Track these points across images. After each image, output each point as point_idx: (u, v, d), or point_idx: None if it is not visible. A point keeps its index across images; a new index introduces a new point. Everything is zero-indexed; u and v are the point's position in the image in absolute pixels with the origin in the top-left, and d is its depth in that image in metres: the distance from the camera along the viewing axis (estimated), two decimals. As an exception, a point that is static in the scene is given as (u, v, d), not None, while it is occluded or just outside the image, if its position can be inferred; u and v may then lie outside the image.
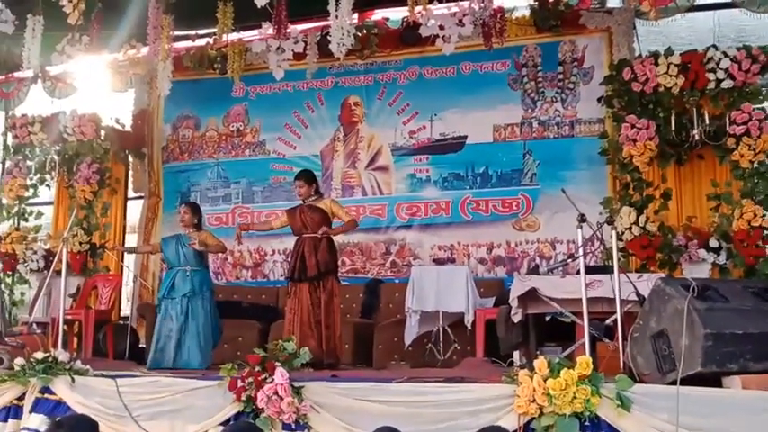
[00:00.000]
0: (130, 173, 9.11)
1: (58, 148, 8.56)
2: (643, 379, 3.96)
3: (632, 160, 6.60)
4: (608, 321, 5.04)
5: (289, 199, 8.35)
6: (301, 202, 6.40)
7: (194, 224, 6.51)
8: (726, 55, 6.49)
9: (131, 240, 9.10)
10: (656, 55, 6.67)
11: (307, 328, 5.98)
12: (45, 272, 8.01)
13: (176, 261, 6.39)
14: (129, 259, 8.89)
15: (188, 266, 6.34)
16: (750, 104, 6.36)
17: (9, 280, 8.35)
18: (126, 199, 9.10)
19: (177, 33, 7.35)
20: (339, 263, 6.61)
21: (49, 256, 8.14)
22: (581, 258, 4.44)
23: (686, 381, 3.74)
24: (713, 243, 6.34)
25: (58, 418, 4.31)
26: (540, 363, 3.84)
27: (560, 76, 7.76)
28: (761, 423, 3.54)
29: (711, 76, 6.49)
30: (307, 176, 6.42)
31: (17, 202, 8.60)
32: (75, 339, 7.57)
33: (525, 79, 7.85)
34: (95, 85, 8.03)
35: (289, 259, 8.23)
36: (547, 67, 7.80)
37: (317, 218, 6.20)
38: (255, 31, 7.32)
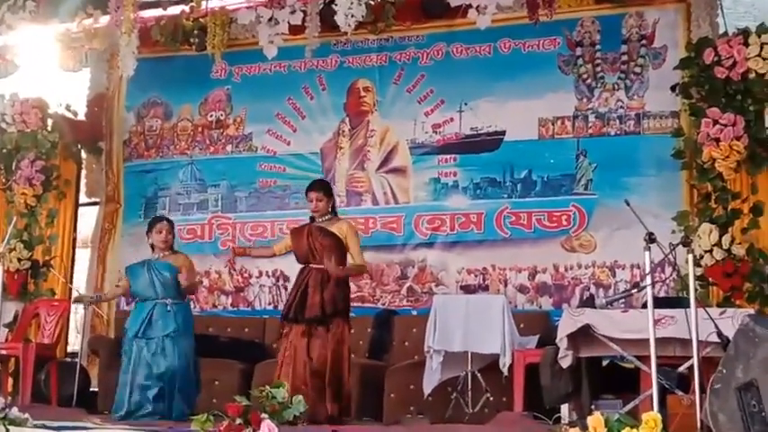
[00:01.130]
0: (83, 172, 9.16)
1: (-7, 140, 8.62)
2: (726, 443, 3.94)
3: (714, 165, 6.58)
4: (682, 369, 5.01)
5: (280, 207, 8.46)
6: (309, 220, 6.42)
7: (171, 247, 6.62)
8: (836, 33, 6.50)
9: (82, 257, 9.15)
10: (745, 33, 6.65)
11: (300, 382, 5.96)
12: (-27, 296, 8.07)
13: (151, 293, 6.43)
14: (80, 281, 8.94)
15: (168, 299, 6.39)
16: None
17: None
18: (77, 205, 9.14)
19: (145, -1, 7.42)
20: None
21: (-23, 275, 8.20)
22: (648, 289, 4.42)
23: (781, 446, 3.72)
24: (816, 271, 6.32)
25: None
26: (596, 419, 3.83)
27: (624, 58, 7.76)
28: None
29: (817, 60, 6.49)
30: (327, 188, 6.47)
31: (-61, 207, 8.67)
32: (11, 380, 7.60)
33: (580, 61, 7.86)
34: (42, 62, 8.10)
35: (280, 283, 8.26)
36: (607, 45, 7.81)
37: (327, 244, 6.18)
38: (242, -2, 7.39)
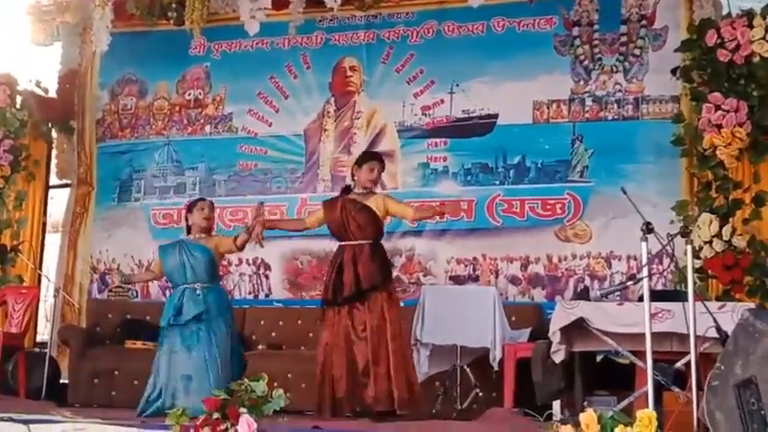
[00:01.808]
0: (54, 153, 9.14)
1: (-42, 117, 8.58)
2: (723, 442, 3.98)
3: (716, 152, 6.62)
4: (678, 364, 5.05)
5: (261, 191, 8.44)
6: (341, 192, 6.37)
7: (208, 228, 6.52)
8: (844, 15, 6.53)
9: (52, 242, 9.13)
10: (750, 14, 6.68)
11: (341, 368, 5.92)
12: (-63, 282, 8.05)
13: (182, 277, 6.32)
14: (50, 267, 8.91)
15: (198, 283, 6.28)
16: None
17: None
18: (47, 187, 9.13)
19: (120, -30, 7.39)
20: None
21: (-58, 261, 8.19)
22: (645, 281, 4.45)
23: (780, 445, 3.75)
24: (820, 264, 6.37)
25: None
26: (588, 417, 3.85)
27: (623, 39, 7.78)
28: None
29: (824, 44, 6.52)
30: (381, 159, 6.39)
31: None
32: (-24, 371, 7.59)
33: (577, 42, 7.88)
34: (11, 36, 8.07)
35: (260, 272, 8.26)
36: (605, 25, 7.83)
37: (362, 220, 6.12)
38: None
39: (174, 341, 6.18)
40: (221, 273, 8.24)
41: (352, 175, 6.34)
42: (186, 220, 6.55)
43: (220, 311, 6.26)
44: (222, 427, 4.25)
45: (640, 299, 4.72)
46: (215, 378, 5.95)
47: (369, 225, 6.11)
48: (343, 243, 6.16)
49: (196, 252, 6.31)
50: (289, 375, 7.02)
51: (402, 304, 7.29)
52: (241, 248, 6.47)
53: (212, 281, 6.35)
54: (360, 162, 6.31)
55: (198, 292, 6.24)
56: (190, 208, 6.56)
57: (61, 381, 7.77)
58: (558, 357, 5.40)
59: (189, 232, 6.51)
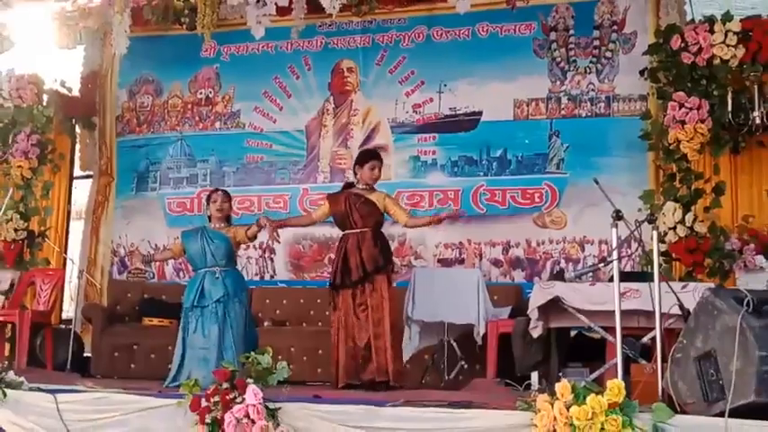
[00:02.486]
0: (77, 147, 9.12)
1: (-10, 114, 8.54)
2: (685, 409, 3.98)
3: (679, 146, 6.61)
4: (645, 339, 5.06)
5: (266, 182, 8.43)
6: (343, 187, 6.34)
7: (227, 217, 6.48)
8: (796, 22, 6.52)
9: (76, 228, 9.11)
10: (711, 20, 6.67)
11: (351, 343, 5.93)
12: (-29, 264, 8.02)
13: (202, 261, 6.29)
14: (74, 251, 8.90)
15: (216, 267, 6.25)
16: (824, 83, 6.39)
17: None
18: (71, 178, 9.11)
19: (137, -20, 7.35)
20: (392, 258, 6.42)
21: (-25, 245, 8.15)
22: (615, 263, 4.45)
23: (736, 412, 3.76)
24: (774, 248, 6.37)
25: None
26: (563, 386, 3.86)
27: (596, 43, 7.77)
28: (823, 464, 3.56)
29: (778, 48, 6.50)
30: (381, 158, 6.37)
31: (-62, 178, 8.59)
32: (7, 345, 7.58)
33: (554, 45, 7.87)
34: (37, 39, 8.01)
35: (266, 255, 8.25)
36: (580, 30, 7.82)
37: (365, 211, 6.12)
38: (232, -21, 7.30)
39: (195, 321, 6.17)
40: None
41: (355, 173, 6.33)
42: (207, 210, 6.52)
43: (236, 293, 6.23)
44: (231, 396, 4.26)
45: (611, 279, 4.72)
46: (231, 355, 5.90)
47: (370, 215, 6.11)
48: (346, 232, 6.15)
49: (216, 239, 6.28)
50: (292, 349, 7.04)
51: (395, 285, 7.34)
52: (252, 239, 6.48)
53: (230, 265, 6.33)
54: (362, 162, 6.29)
55: (217, 275, 6.21)
56: (207, 200, 6.54)
57: (85, 354, 7.78)
58: (536, 333, 5.40)
59: (210, 220, 6.47)
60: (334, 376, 5.98)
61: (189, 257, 6.48)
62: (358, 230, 6.09)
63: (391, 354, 5.92)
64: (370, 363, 5.89)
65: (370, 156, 6.40)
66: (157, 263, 8.37)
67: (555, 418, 3.79)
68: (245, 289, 6.42)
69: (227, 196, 6.51)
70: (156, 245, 8.53)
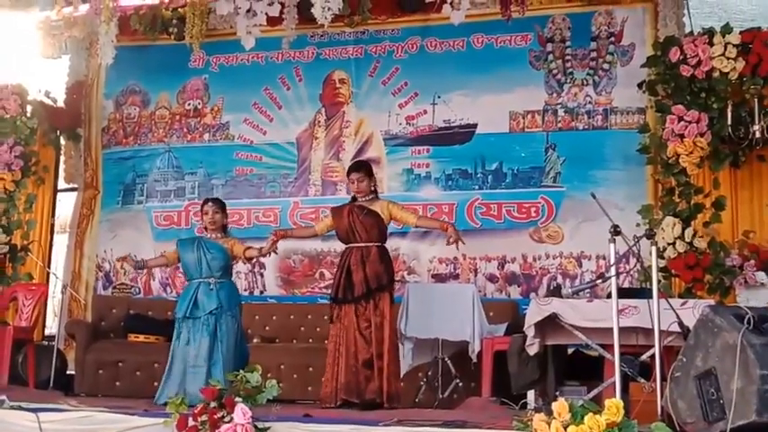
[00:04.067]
0: (62, 158, 9.10)
1: (-28, 125, 8.52)
2: (685, 429, 3.99)
3: (678, 160, 6.63)
4: (644, 357, 5.06)
5: (256, 195, 8.44)
6: (350, 200, 6.34)
7: (223, 227, 6.44)
8: (796, 34, 6.56)
9: (60, 242, 9.08)
10: (710, 32, 6.70)
11: (353, 360, 5.91)
12: (-48, 279, 7.98)
13: (197, 271, 6.28)
14: (58, 265, 8.87)
15: (212, 278, 6.23)
16: (825, 96, 6.42)
17: None
18: (56, 191, 9.09)
19: (124, -12, 7.37)
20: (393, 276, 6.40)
21: (-43, 259, 8.12)
22: (613, 279, 4.46)
23: (737, 432, 3.77)
24: (775, 264, 6.39)
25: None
26: (560, 405, 3.85)
27: (593, 55, 7.81)
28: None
29: (778, 60, 6.54)
30: (367, 168, 6.36)
31: None
32: (-12, 362, 7.54)
33: (550, 57, 7.90)
34: (22, 49, 8.02)
35: (256, 269, 8.24)
36: (577, 42, 7.85)
37: (368, 223, 6.12)
38: (221, -12, 7.32)
39: (187, 332, 6.14)
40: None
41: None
42: (202, 221, 6.52)
43: (230, 306, 6.22)
44: (219, 415, 4.25)
45: (609, 296, 4.74)
46: (219, 370, 5.91)
47: (374, 228, 6.12)
48: (350, 245, 6.15)
49: (213, 250, 6.28)
50: (281, 366, 7.03)
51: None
52: (248, 260, 6.48)
53: (225, 276, 6.32)
54: (347, 174, 6.38)
55: (212, 286, 6.21)
56: (201, 211, 6.53)
57: (68, 372, 7.73)
58: (533, 350, 5.40)
59: (206, 232, 6.47)
60: (331, 391, 5.93)
61: (184, 266, 6.45)
62: (362, 244, 6.09)
63: (392, 374, 5.94)
64: (372, 382, 5.88)
65: (351, 168, 6.44)
66: (149, 269, 8.30)
67: (552, 438, 3.79)
68: (238, 303, 6.39)
69: (219, 205, 6.48)
70: (142, 259, 8.48)
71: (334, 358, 6.01)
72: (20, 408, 4.78)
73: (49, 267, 8.63)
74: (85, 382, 7.41)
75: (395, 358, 6.06)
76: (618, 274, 4.50)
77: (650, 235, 4.77)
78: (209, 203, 6.50)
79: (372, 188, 6.28)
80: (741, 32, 6.66)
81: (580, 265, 7.53)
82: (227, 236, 6.44)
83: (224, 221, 6.47)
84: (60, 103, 8.96)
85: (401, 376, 6.25)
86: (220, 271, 6.26)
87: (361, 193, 6.23)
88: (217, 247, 6.29)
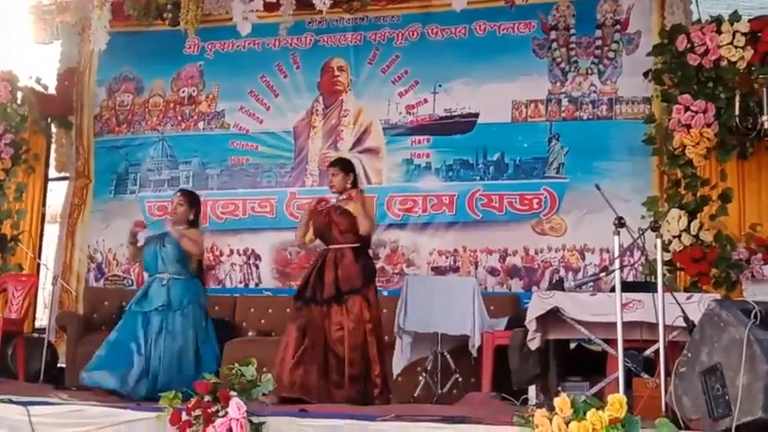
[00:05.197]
0: (53, 147, 9.08)
1: (-40, 112, 8.51)
2: (689, 425, 3.99)
3: (685, 151, 6.63)
4: (648, 352, 5.06)
5: (252, 185, 8.44)
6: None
7: (189, 220, 6.30)
8: (807, 22, 6.55)
9: (51, 232, 9.08)
10: (718, 21, 6.69)
11: (320, 363, 5.83)
12: (-60, 269, 8.00)
13: (153, 266, 6.23)
14: (48, 256, 8.87)
15: (165, 273, 6.15)
16: (835, 86, 6.41)
17: None
18: (46, 179, 9.07)
19: (118, -28, 7.35)
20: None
21: (-55, 249, 8.12)
22: (617, 272, 4.46)
23: (743, 429, 3.76)
24: (783, 258, 6.39)
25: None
26: (562, 401, 3.86)
27: (598, 43, 7.79)
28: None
29: (788, 49, 6.54)
30: (343, 164, 6.31)
31: None
32: (-22, 355, 7.54)
33: (554, 45, 7.89)
34: (12, 34, 8.00)
35: (251, 261, 8.24)
36: (581, 30, 7.84)
37: (342, 224, 6.05)
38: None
39: (129, 322, 6.05)
40: (213, 263, 8.28)
41: None
42: None
43: (181, 305, 6.08)
44: (213, 409, 4.25)
45: (612, 289, 4.73)
46: (167, 373, 5.83)
47: (348, 229, 6.03)
48: (328, 246, 6.11)
49: (169, 244, 6.19)
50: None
51: (386, 293, 7.36)
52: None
53: (183, 273, 6.19)
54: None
55: (164, 282, 6.12)
56: None
57: (59, 365, 7.74)
58: (534, 345, 5.40)
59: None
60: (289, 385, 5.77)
61: (145, 263, 6.38)
62: (337, 246, 6.03)
63: (372, 379, 5.83)
64: (341, 389, 5.76)
65: (330, 164, 6.42)
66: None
67: (553, 435, 3.80)
68: (196, 302, 6.19)
69: (186, 198, 6.36)
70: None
71: (287, 352, 5.88)
72: (9, 401, 4.78)
73: (39, 258, 8.63)
74: (76, 375, 7.35)
75: (377, 363, 5.89)
76: (622, 268, 4.50)
77: (655, 227, 4.76)
78: (178, 194, 6.43)
79: (349, 185, 6.15)
80: (750, 21, 6.65)
81: (583, 258, 7.53)
82: (192, 229, 6.28)
83: (189, 215, 6.31)
84: (51, 90, 8.95)
85: (395, 369, 6.25)
86: (175, 266, 6.14)
87: (335, 189, 6.17)
88: (172, 241, 6.19)
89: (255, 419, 4.24)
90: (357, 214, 6.00)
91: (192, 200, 6.41)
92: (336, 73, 8.47)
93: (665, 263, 5.56)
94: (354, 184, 6.20)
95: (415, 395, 6.48)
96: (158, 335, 5.99)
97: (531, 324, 5.38)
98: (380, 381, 5.88)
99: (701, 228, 6.55)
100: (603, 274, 5.53)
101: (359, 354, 5.84)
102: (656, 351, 4.51)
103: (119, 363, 5.91)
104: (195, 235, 6.29)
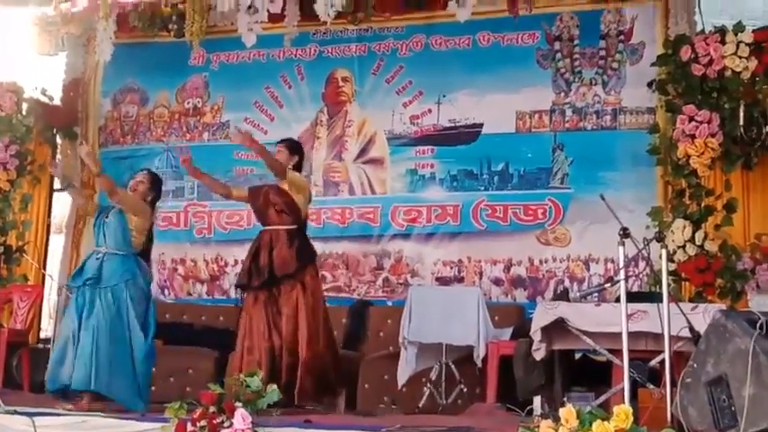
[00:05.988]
0: (58, 158, 9.09)
1: (-34, 123, 8.54)
2: (695, 436, 3.99)
3: (689, 161, 6.63)
4: (653, 362, 5.07)
5: (257, 196, 8.40)
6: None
7: (147, 201, 6.20)
8: (811, 33, 6.56)
9: (56, 243, 9.09)
10: (722, 31, 6.70)
11: (259, 354, 5.74)
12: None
13: (96, 240, 6.07)
14: (53, 267, 8.87)
15: (103, 247, 5.92)
16: (839, 96, 6.42)
17: None
18: (51, 190, 9.06)
19: (123, -16, 7.37)
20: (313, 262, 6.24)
21: (-50, 260, 8.13)
22: (622, 283, 4.46)
23: (749, 440, 3.77)
24: (788, 268, 6.38)
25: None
26: (567, 412, 3.85)
27: (602, 53, 7.79)
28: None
29: (792, 60, 6.54)
30: (291, 144, 6.35)
31: None
32: (-17, 366, 7.54)
33: (558, 56, 7.89)
34: (17, 46, 8.02)
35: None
36: (585, 40, 7.84)
37: (278, 204, 6.05)
38: (222, -16, 7.33)
39: (73, 301, 5.86)
40: (217, 273, 8.28)
41: None
42: None
43: (110, 280, 5.77)
44: (218, 420, 4.25)
45: (617, 300, 4.74)
46: (84, 354, 5.54)
47: (283, 209, 6.01)
48: (264, 228, 6.08)
49: (111, 216, 6.02)
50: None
51: (391, 303, 7.36)
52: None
53: (123, 248, 5.92)
54: None
55: (98, 256, 5.91)
56: None
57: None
58: (539, 355, 5.41)
59: None
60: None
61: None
62: (272, 227, 5.97)
63: (302, 372, 5.70)
64: (279, 380, 5.51)
65: (279, 140, 6.46)
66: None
67: (559, 445, 3.79)
68: (131, 280, 5.84)
69: (148, 177, 6.27)
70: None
71: (242, 351, 5.84)
72: (15, 412, 4.79)
73: (44, 269, 8.64)
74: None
75: (312, 355, 5.79)
76: (627, 278, 4.50)
77: (660, 238, 4.77)
78: (142, 173, 6.36)
79: (290, 167, 6.15)
80: (754, 31, 6.66)
81: (588, 269, 7.52)
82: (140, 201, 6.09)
83: (147, 196, 6.16)
84: (57, 101, 8.97)
85: (399, 380, 6.26)
86: (113, 240, 5.90)
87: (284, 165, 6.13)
88: (115, 213, 6.00)
89: (261, 430, 4.24)
90: (291, 192, 6.00)
91: (153, 181, 6.31)
92: (341, 84, 8.49)
93: (669, 273, 5.55)
94: (298, 170, 6.25)
95: (420, 406, 6.46)
96: (89, 314, 5.70)
97: (535, 334, 5.39)
98: (305, 371, 5.70)
99: (705, 238, 6.54)
100: (608, 284, 5.53)
101: (295, 343, 5.76)
102: (662, 361, 4.50)
103: (64, 357, 5.74)
104: (141, 205, 6.10)
